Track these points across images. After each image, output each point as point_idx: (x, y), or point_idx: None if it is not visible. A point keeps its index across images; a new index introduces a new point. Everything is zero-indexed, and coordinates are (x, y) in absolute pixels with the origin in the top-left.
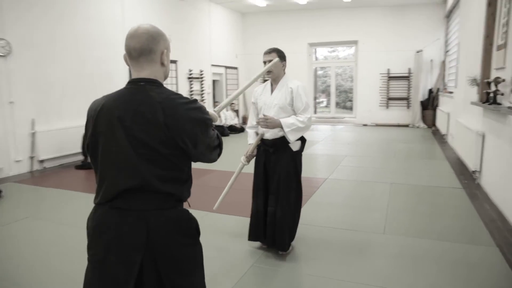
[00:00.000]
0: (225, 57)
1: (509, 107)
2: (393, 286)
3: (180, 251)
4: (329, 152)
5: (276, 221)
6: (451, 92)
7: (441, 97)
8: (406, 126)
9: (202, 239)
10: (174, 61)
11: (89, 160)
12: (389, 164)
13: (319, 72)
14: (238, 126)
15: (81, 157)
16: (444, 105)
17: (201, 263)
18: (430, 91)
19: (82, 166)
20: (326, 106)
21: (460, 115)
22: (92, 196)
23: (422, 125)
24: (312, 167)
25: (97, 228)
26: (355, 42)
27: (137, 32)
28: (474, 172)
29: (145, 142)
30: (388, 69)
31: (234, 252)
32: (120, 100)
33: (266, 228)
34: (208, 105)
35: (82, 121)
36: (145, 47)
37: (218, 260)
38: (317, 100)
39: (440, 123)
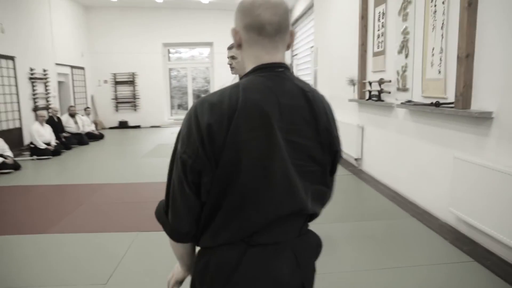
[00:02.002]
0: (71, 55)
1: (402, 103)
2: (347, 266)
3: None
4: None
5: None
6: None
7: None
8: None
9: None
10: (10, 57)
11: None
12: None
13: (174, 74)
14: (96, 133)
15: None
16: None
17: None
18: None
19: None
20: (180, 107)
21: None
22: None
23: None
24: None
25: (243, 276)
26: (210, 44)
27: (272, 1)
28: (356, 159)
29: (302, 149)
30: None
31: None
32: (265, 93)
33: None
34: (61, 111)
35: None
36: (283, 21)
37: None
38: (178, 103)
39: None
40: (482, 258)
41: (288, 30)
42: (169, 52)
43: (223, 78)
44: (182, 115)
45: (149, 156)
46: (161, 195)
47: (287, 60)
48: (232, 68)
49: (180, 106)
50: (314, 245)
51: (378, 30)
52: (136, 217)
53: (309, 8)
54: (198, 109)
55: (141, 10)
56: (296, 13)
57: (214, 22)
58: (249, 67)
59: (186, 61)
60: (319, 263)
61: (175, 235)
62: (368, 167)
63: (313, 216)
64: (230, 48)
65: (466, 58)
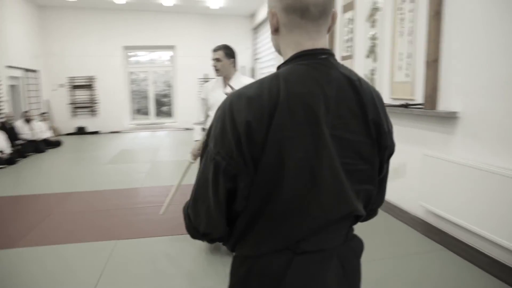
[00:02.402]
0: (23, 57)
1: None
2: None
3: None
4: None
5: None
6: None
7: None
8: None
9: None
10: None
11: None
12: None
13: (134, 77)
14: (53, 139)
15: None
16: None
17: None
18: None
19: None
20: (139, 112)
21: None
22: None
23: None
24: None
25: (290, 286)
26: (172, 47)
27: None
28: None
29: (350, 146)
30: (206, 74)
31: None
32: (309, 84)
33: None
34: (16, 117)
35: None
36: (328, 2)
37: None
38: (137, 107)
39: None
40: (451, 246)
41: (331, 12)
42: (128, 56)
43: (187, 81)
44: (142, 120)
45: (113, 163)
46: (132, 201)
47: (249, 64)
48: (217, 70)
49: (139, 111)
50: (359, 252)
51: (346, 36)
52: (112, 225)
53: None
54: (234, 104)
55: (101, 12)
56: (259, 17)
57: (177, 25)
58: (287, 54)
59: (147, 64)
60: None
61: (192, 233)
62: None
63: (358, 218)
64: (215, 50)
65: (433, 63)
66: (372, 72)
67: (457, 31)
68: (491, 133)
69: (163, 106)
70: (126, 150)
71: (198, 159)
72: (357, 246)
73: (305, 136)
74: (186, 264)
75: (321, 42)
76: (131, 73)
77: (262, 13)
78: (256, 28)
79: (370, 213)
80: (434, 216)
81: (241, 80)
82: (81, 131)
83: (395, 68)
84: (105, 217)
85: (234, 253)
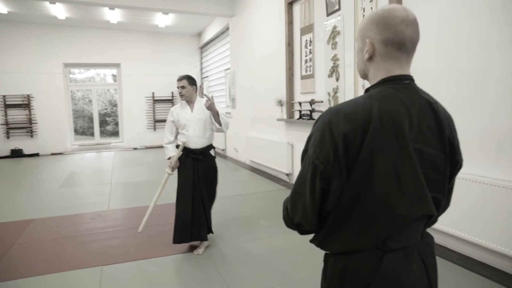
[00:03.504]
0: None
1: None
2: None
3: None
4: (153, 177)
5: (206, 214)
6: (228, 113)
7: None
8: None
9: None
10: None
11: None
12: None
13: (76, 96)
14: None
15: None
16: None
17: None
18: None
19: None
20: (79, 133)
21: (249, 130)
22: None
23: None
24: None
25: (382, 280)
26: (117, 65)
27: (411, 17)
28: (288, 174)
29: (428, 158)
30: (153, 93)
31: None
32: (397, 104)
33: (192, 227)
34: None
35: None
36: (418, 38)
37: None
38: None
39: (213, 140)
40: None
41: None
42: (69, 73)
43: (134, 100)
44: (86, 140)
45: (66, 186)
46: (104, 225)
47: (197, 82)
48: (182, 95)
49: (81, 131)
50: (433, 247)
51: (306, 56)
52: (91, 250)
53: (223, 32)
54: (332, 119)
55: (39, 26)
56: (207, 35)
57: (122, 42)
58: (376, 78)
59: (91, 83)
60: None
61: (288, 223)
62: None
63: (430, 218)
64: (180, 79)
65: None
66: (335, 90)
67: (416, 53)
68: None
69: (107, 126)
70: (76, 172)
71: (176, 171)
72: (431, 241)
73: (393, 148)
74: (189, 283)
75: (407, 69)
76: (73, 91)
77: (209, 31)
78: (204, 47)
79: (434, 221)
80: None
81: (202, 101)
82: (17, 153)
83: (359, 86)
84: (81, 243)
85: (326, 252)
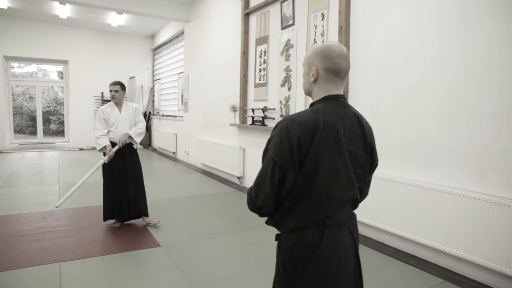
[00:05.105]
0: None
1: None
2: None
3: None
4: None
5: (137, 198)
6: (175, 116)
7: (156, 120)
8: None
9: None
10: None
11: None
12: (156, 183)
13: (16, 91)
14: None
15: None
16: (164, 127)
17: None
18: (144, 114)
19: None
20: (18, 131)
21: (201, 134)
22: None
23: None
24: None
25: (324, 249)
26: (65, 62)
27: (345, 53)
28: (239, 177)
29: (355, 157)
30: (102, 92)
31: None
32: (335, 116)
33: (122, 207)
34: None
35: None
36: (349, 68)
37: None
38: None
39: (164, 143)
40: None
41: None
42: (10, 67)
43: (81, 99)
44: (27, 139)
45: (9, 186)
46: (55, 224)
47: (148, 84)
48: (114, 98)
49: (14, 129)
50: (356, 220)
51: (260, 65)
52: (46, 248)
53: (178, 35)
54: (289, 126)
55: None
56: (161, 38)
57: (71, 39)
58: (318, 96)
59: (34, 78)
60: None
61: (251, 207)
62: (251, 183)
63: (355, 201)
64: (115, 84)
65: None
66: (287, 99)
67: (362, 71)
68: (392, 151)
69: (50, 124)
70: (18, 172)
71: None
72: (355, 218)
73: (332, 149)
74: (149, 276)
75: (341, 91)
76: (13, 86)
77: (163, 34)
78: (157, 49)
79: (356, 205)
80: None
81: (128, 105)
82: None
83: (308, 97)
84: (34, 241)
85: (277, 233)
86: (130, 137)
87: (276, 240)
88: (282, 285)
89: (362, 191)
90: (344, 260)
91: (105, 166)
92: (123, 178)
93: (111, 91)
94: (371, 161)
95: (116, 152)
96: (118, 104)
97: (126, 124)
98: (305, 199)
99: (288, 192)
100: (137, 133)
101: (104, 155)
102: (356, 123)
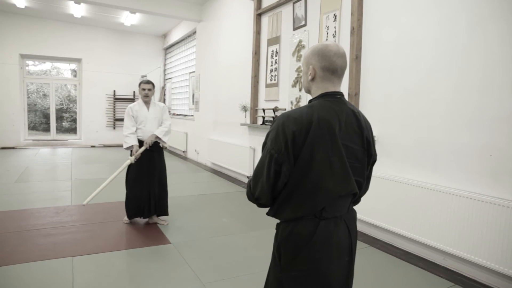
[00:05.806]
0: None
1: None
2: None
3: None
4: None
5: (161, 197)
6: (185, 115)
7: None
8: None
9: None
10: None
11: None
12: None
13: (31, 88)
14: None
15: None
16: (175, 126)
17: None
18: None
19: None
20: (33, 128)
21: (211, 134)
22: None
23: (165, 145)
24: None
25: (318, 240)
26: (78, 60)
27: (341, 51)
28: (248, 177)
29: (352, 151)
30: (114, 91)
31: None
32: (331, 112)
33: (148, 205)
34: None
35: None
36: (345, 66)
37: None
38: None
39: (174, 141)
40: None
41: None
42: (26, 65)
43: (94, 97)
44: (41, 136)
45: (23, 181)
46: (68, 219)
47: (160, 83)
48: (147, 96)
49: (34, 126)
50: (356, 218)
51: (272, 66)
52: (59, 243)
53: (190, 35)
54: (285, 121)
55: None
56: (173, 37)
57: (85, 37)
58: (316, 93)
59: (49, 76)
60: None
61: (250, 197)
62: None
63: (355, 196)
64: (148, 83)
65: (354, 96)
66: (297, 99)
67: (373, 71)
68: (401, 153)
69: (63, 122)
70: (32, 167)
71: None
72: (355, 214)
73: (327, 143)
74: (160, 271)
75: (338, 88)
76: (28, 84)
77: (175, 34)
78: (168, 48)
79: (357, 200)
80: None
81: (155, 103)
82: None
83: None
84: (47, 236)
85: (278, 221)
86: (157, 137)
87: (276, 229)
88: (275, 271)
89: (361, 185)
90: (336, 253)
91: (131, 163)
92: (150, 176)
93: (144, 89)
94: (369, 155)
95: (144, 151)
96: (147, 103)
97: (155, 122)
98: (300, 191)
99: (284, 184)
100: (163, 132)
101: (131, 154)
102: (352, 119)
